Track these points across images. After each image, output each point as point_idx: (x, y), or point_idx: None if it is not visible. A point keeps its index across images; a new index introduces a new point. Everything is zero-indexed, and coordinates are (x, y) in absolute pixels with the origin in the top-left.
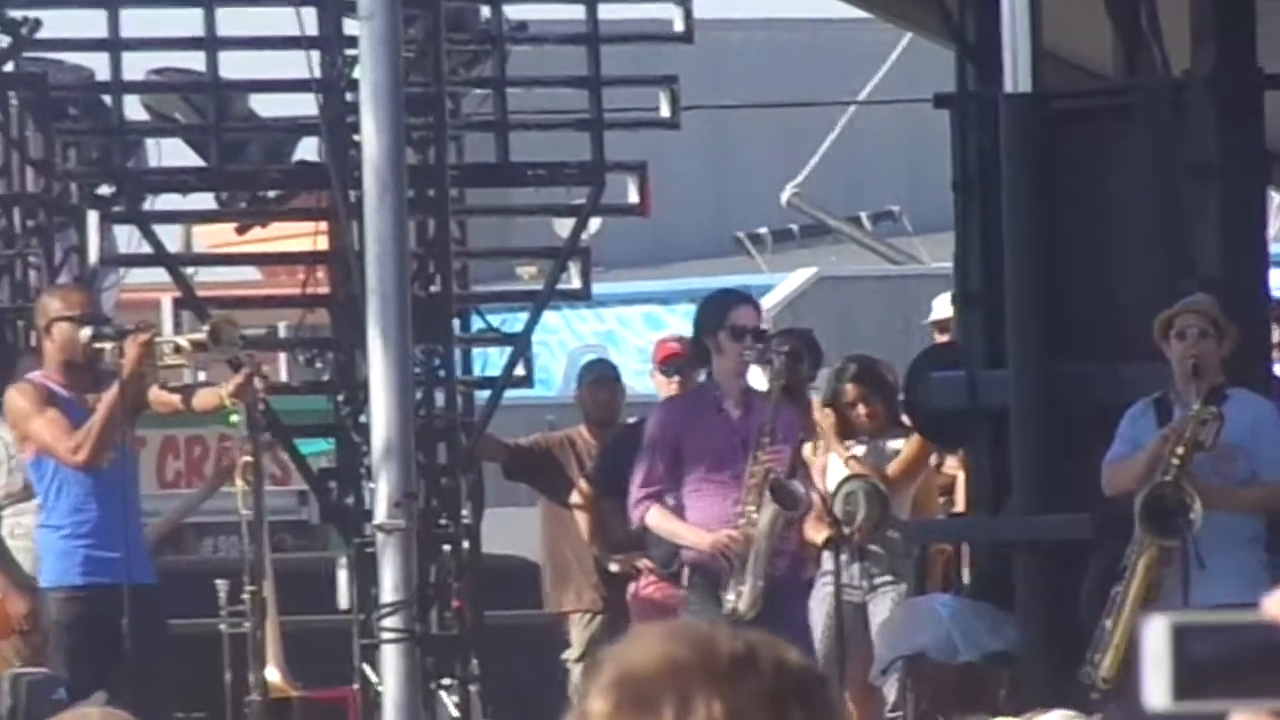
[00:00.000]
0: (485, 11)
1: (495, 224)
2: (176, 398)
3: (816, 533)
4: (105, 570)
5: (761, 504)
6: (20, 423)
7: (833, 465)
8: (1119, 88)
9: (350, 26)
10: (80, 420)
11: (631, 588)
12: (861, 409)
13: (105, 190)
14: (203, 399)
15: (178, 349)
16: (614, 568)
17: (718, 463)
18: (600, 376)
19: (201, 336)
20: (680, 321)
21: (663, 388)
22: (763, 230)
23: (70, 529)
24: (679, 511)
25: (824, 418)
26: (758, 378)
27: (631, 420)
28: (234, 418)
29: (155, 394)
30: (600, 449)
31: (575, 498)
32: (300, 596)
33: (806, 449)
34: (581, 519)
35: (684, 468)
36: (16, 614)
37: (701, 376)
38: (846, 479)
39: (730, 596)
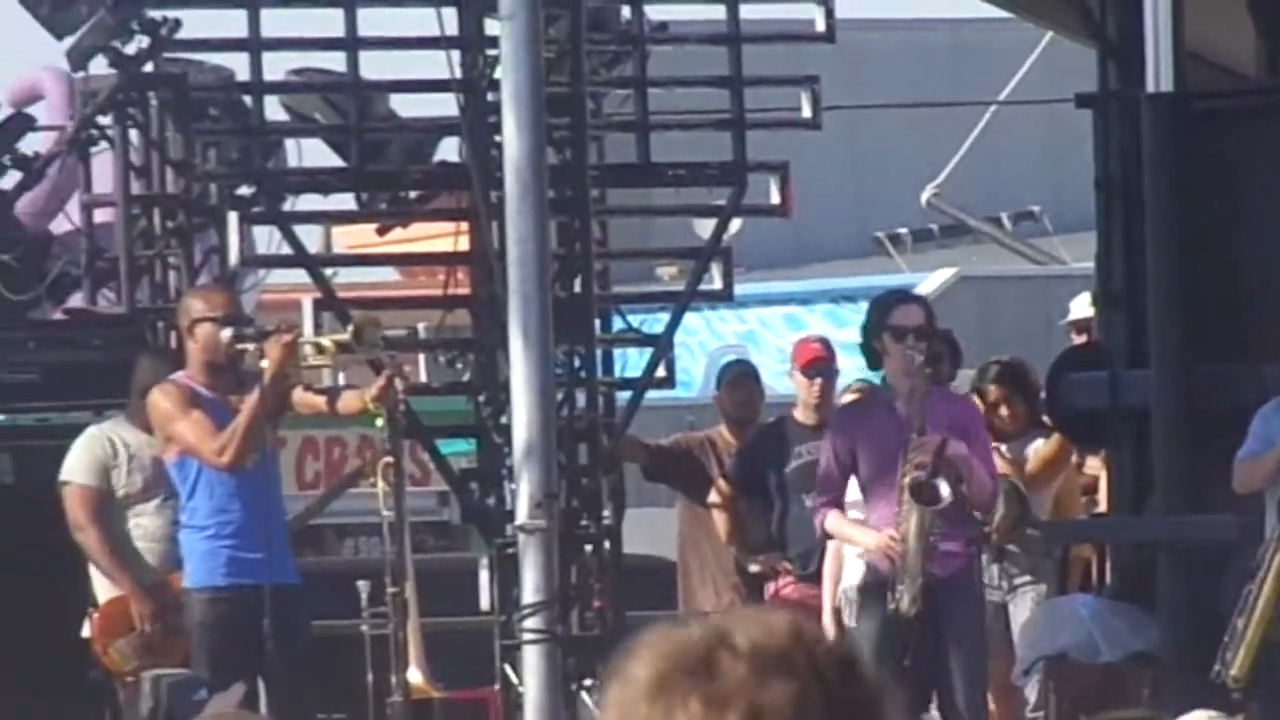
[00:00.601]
0: (626, 11)
1: (636, 224)
2: (321, 400)
3: None
4: (248, 571)
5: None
6: (164, 424)
7: None
8: (1261, 88)
9: (491, 26)
10: (224, 421)
11: (770, 587)
12: (1004, 410)
13: (245, 191)
14: (346, 402)
15: (320, 349)
16: (754, 568)
17: (890, 464)
18: (739, 376)
19: (345, 337)
20: (820, 322)
21: (802, 389)
22: (903, 230)
23: (214, 529)
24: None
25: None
26: None
27: (770, 420)
28: (378, 422)
29: (299, 396)
30: (738, 449)
31: (713, 497)
32: (441, 597)
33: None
34: (719, 519)
35: (862, 472)
36: (140, 612)
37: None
38: None
39: (895, 596)
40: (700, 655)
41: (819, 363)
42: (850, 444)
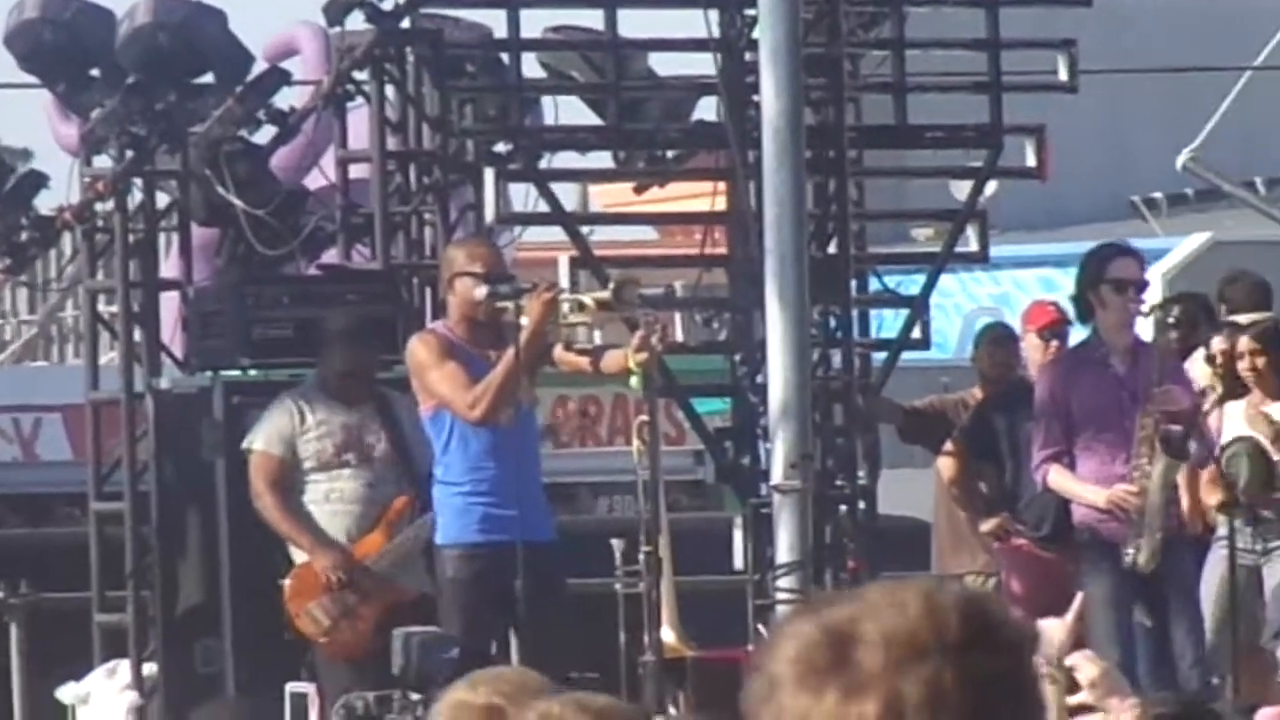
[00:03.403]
0: None
1: (892, 186)
2: (584, 359)
3: (1210, 495)
4: (502, 528)
5: (1154, 456)
6: (419, 374)
7: (1228, 426)
8: None
9: None
10: (480, 374)
11: (997, 545)
12: (1257, 364)
13: (502, 148)
14: (610, 361)
15: (581, 307)
16: (984, 528)
17: (1106, 419)
18: (1000, 337)
19: (605, 295)
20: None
21: (1037, 352)
22: (1158, 195)
23: (469, 486)
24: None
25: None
26: (1144, 330)
27: (1007, 383)
28: (633, 381)
29: (560, 354)
30: (973, 409)
31: (944, 453)
32: (694, 556)
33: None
34: (947, 475)
35: (1075, 426)
36: (324, 566)
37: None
38: (1231, 441)
39: (1130, 551)
40: (834, 645)
41: (1055, 325)
42: (1066, 396)
